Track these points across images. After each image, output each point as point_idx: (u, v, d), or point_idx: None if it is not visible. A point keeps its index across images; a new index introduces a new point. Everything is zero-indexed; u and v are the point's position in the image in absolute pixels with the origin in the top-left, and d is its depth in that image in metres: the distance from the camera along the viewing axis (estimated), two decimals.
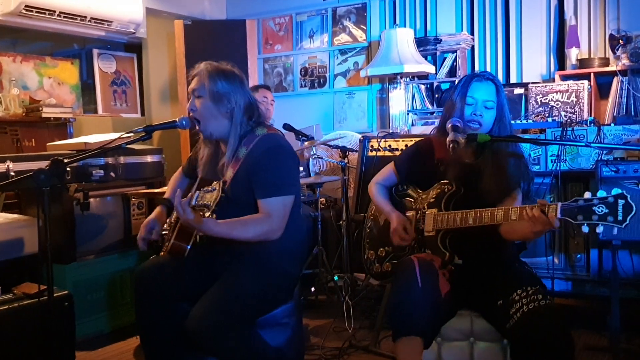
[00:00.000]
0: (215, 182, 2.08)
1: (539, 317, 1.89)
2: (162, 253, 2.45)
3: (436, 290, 2.02)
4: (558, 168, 3.25)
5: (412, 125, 4.61)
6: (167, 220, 2.49)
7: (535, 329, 1.87)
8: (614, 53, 3.96)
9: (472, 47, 4.72)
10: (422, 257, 2.15)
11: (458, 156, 2.24)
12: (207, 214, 1.90)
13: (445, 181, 2.29)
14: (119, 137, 2.38)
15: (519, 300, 1.96)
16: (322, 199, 4.13)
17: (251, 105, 2.36)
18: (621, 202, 1.76)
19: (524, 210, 1.93)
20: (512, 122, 3.55)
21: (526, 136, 3.33)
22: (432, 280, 2.02)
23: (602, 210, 1.78)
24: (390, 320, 2.11)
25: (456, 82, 2.41)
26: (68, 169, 3.21)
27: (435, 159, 2.37)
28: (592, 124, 3.36)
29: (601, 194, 1.80)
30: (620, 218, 1.76)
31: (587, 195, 1.82)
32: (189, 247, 2.20)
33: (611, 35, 3.99)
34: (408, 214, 2.37)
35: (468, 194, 2.24)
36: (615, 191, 1.78)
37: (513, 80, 4.55)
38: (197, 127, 2.34)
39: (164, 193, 2.71)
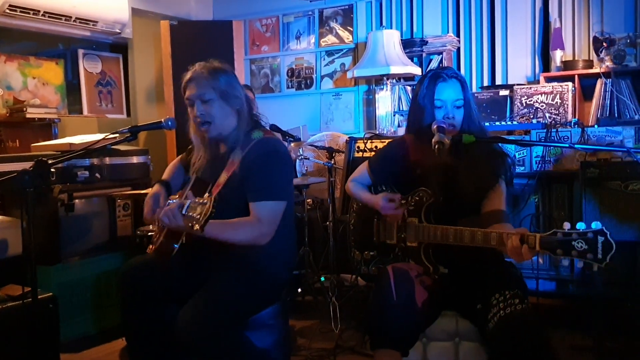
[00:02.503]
0: (207, 196, 2.01)
1: (514, 322, 1.89)
2: (148, 249, 2.42)
3: (412, 301, 2.01)
4: (542, 169, 3.28)
5: (399, 126, 4.62)
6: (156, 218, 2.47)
7: (510, 334, 1.87)
8: (598, 55, 3.99)
9: (458, 49, 4.74)
10: (398, 267, 2.12)
11: (434, 158, 2.16)
12: (195, 227, 1.88)
13: (423, 189, 2.24)
14: (104, 138, 2.37)
15: (496, 304, 1.96)
16: (308, 200, 4.14)
17: (247, 98, 2.36)
18: (601, 239, 1.66)
19: (503, 237, 1.89)
20: (498, 123, 3.63)
21: (511, 137, 3.35)
22: (407, 292, 2.01)
23: (581, 247, 1.68)
24: (367, 331, 2.12)
25: (420, 79, 2.33)
26: (53, 170, 3.22)
27: (411, 161, 2.32)
28: (576, 126, 3.39)
29: (580, 226, 1.70)
30: (600, 257, 1.65)
31: (566, 227, 1.72)
32: (176, 246, 2.18)
33: (595, 38, 4.02)
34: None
35: (448, 200, 2.21)
36: (595, 225, 1.68)
37: (498, 81, 4.57)
38: (206, 132, 2.29)
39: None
